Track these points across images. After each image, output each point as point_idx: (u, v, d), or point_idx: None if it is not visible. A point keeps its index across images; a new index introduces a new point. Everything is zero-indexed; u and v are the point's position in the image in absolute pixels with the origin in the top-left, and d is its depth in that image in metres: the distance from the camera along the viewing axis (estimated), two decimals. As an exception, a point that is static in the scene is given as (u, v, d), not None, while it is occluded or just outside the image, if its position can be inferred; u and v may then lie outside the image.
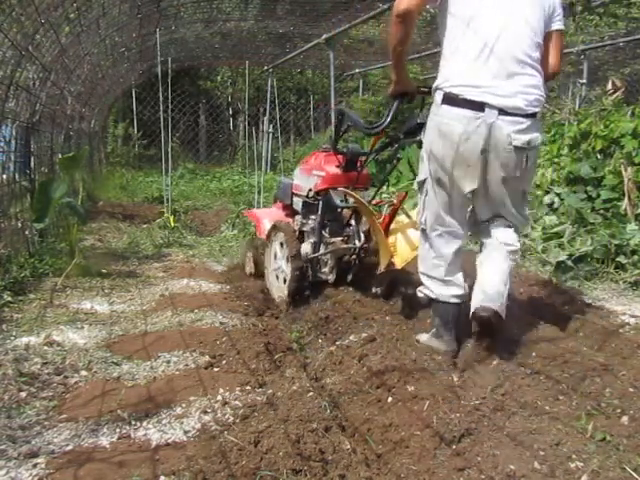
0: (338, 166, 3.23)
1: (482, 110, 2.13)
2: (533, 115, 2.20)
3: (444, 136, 2.21)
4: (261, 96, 15.34)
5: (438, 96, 2.24)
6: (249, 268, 3.99)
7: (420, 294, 2.51)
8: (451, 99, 2.18)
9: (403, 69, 2.42)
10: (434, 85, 2.30)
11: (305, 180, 3.42)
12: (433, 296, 2.43)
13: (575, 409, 1.92)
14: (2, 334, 2.79)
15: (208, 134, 16.02)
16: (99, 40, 6.71)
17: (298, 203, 3.51)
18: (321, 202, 3.29)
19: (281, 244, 3.35)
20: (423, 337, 2.49)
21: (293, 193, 3.57)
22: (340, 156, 3.21)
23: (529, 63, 2.19)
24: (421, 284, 2.50)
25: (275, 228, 3.41)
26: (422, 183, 2.40)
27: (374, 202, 3.35)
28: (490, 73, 2.14)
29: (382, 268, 2.91)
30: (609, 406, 1.93)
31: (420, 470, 1.63)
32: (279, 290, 3.35)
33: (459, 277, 2.44)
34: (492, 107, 2.13)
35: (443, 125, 2.22)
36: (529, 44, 2.18)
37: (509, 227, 2.41)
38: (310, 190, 3.32)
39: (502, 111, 2.13)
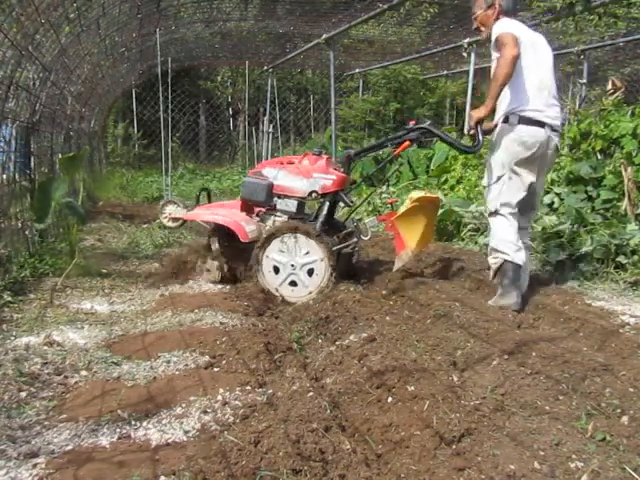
0: (341, 171, 3.61)
1: (543, 127, 3.09)
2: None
3: (523, 144, 3.09)
4: (261, 96, 15.35)
5: (514, 118, 3.09)
6: (213, 275, 3.79)
7: (494, 260, 3.15)
8: (525, 119, 3.09)
9: (496, 100, 3.10)
10: (507, 110, 3.10)
11: (300, 182, 3.58)
12: (509, 258, 3.09)
13: (575, 409, 1.92)
14: (2, 334, 2.79)
15: (208, 134, 16.03)
16: (99, 40, 6.71)
17: (287, 204, 3.63)
18: (327, 202, 3.57)
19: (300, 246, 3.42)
20: (491, 301, 3.13)
21: (277, 194, 3.63)
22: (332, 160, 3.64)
23: (556, 97, 3.22)
24: (490, 261, 3.20)
25: (297, 229, 3.42)
26: (499, 178, 3.16)
27: (388, 201, 3.98)
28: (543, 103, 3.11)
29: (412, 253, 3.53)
30: (609, 406, 1.93)
31: (420, 470, 1.63)
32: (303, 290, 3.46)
33: (522, 245, 3.17)
34: (548, 125, 3.10)
35: (522, 137, 3.09)
36: (555, 84, 3.20)
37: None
38: (313, 192, 3.55)
39: (552, 128, 3.12)
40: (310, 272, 3.43)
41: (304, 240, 3.41)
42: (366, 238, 3.68)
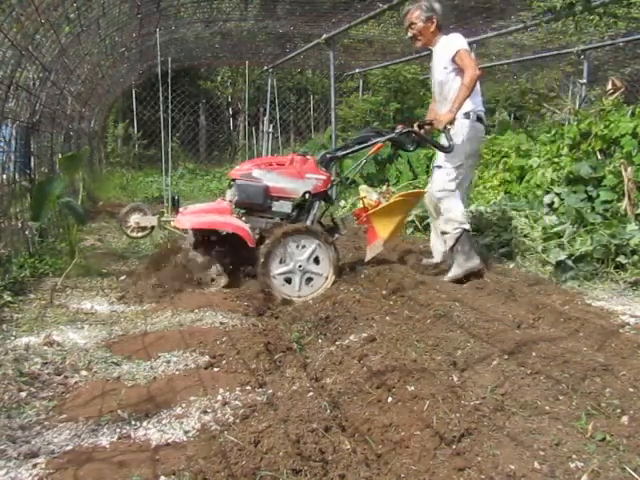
0: (326, 170, 3.74)
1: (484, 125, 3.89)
2: None
3: (478, 139, 3.85)
4: (261, 96, 15.35)
5: (473, 116, 3.73)
6: (218, 282, 3.54)
7: (455, 231, 3.66)
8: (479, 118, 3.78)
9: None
10: (469, 108, 3.68)
11: (294, 183, 3.62)
12: (467, 227, 3.71)
13: (575, 409, 1.92)
14: (2, 334, 2.79)
15: (208, 134, 16.03)
16: (99, 40, 6.71)
17: (282, 205, 3.65)
18: (317, 202, 3.67)
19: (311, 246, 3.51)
20: (454, 272, 3.67)
21: (272, 196, 3.61)
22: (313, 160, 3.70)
23: None
24: (447, 232, 3.71)
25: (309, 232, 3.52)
26: (459, 164, 3.70)
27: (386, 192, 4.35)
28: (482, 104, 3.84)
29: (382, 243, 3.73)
30: (609, 406, 1.93)
31: (420, 470, 1.63)
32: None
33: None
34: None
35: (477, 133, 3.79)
36: None
37: None
38: (307, 192, 3.61)
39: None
40: (316, 260, 3.53)
41: (299, 238, 3.49)
42: (343, 234, 3.84)
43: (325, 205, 3.96)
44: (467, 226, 3.72)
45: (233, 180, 3.73)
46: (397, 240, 4.81)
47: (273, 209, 3.66)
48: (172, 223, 3.71)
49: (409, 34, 3.94)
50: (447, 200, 3.75)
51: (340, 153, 3.89)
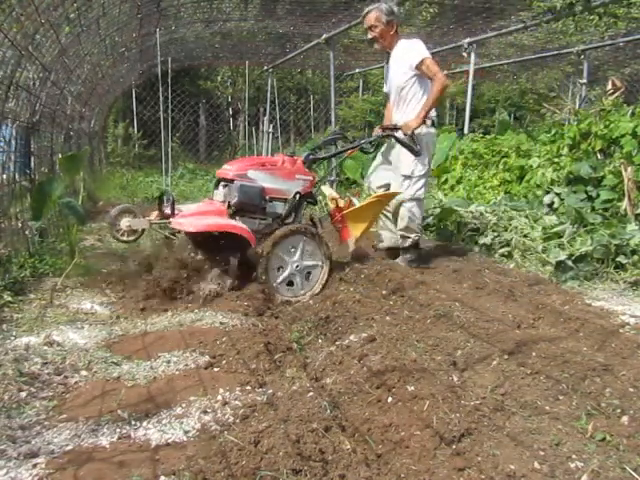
0: (309, 170, 3.81)
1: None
2: None
3: (434, 144, 4.21)
4: (261, 96, 15.34)
5: (434, 123, 4.04)
6: (223, 284, 3.38)
7: (415, 236, 4.08)
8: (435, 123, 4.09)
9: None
10: (431, 115, 3.94)
11: (286, 183, 3.64)
12: (420, 236, 4.18)
13: (575, 409, 1.92)
14: (2, 334, 2.79)
15: (208, 134, 16.02)
16: (99, 40, 6.71)
17: (275, 206, 3.64)
18: (304, 202, 3.75)
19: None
20: (402, 263, 4.08)
21: (267, 197, 3.59)
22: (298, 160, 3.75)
23: None
24: (408, 237, 4.08)
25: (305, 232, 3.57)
26: (426, 172, 4.04)
27: (355, 194, 4.49)
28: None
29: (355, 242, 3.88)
30: (609, 406, 1.93)
31: (420, 470, 1.63)
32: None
33: None
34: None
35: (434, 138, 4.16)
36: None
37: None
38: (297, 193, 3.64)
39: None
40: (308, 254, 3.57)
41: (286, 242, 3.52)
42: (321, 232, 3.87)
43: (308, 205, 4.03)
44: (420, 235, 4.19)
45: (224, 180, 3.62)
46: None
47: (267, 210, 3.64)
48: (171, 225, 3.57)
49: (369, 36, 4.02)
50: (416, 208, 4.04)
51: (321, 155, 3.98)
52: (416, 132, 3.83)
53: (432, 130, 4.01)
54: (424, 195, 4.10)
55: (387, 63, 4.23)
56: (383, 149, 4.29)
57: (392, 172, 4.15)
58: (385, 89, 4.37)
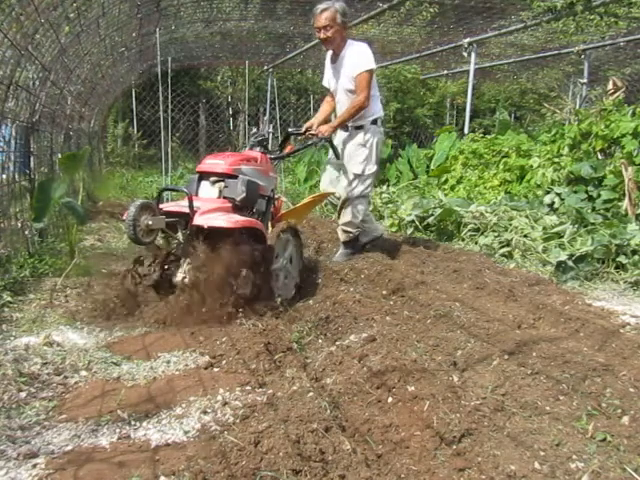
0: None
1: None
2: None
3: (383, 142, 4.52)
4: (261, 96, 15.34)
5: (379, 121, 4.13)
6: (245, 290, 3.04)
7: (356, 231, 4.22)
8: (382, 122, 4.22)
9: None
10: (377, 115, 4.10)
11: (266, 180, 3.55)
12: (360, 230, 4.24)
13: (575, 409, 1.92)
14: (2, 334, 2.79)
15: (208, 134, 16.01)
16: (99, 40, 6.70)
17: (261, 204, 3.53)
18: (273, 200, 3.71)
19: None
20: (337, 257, 4.29)
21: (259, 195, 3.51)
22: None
23: None
24: (350, 232, 4.22)
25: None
26: (374, 170, 4.15)
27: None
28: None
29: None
30: (609, 406, 1.93)
31: (420, 470, 1.63)
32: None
33: None
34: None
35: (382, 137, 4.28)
36: None
37: None
38: (272, 190, 3.62)
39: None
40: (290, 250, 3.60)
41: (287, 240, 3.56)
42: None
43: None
44: (360, 230, 4.26)
45: (215, 175, 3.36)
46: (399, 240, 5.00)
47: (255, 207, 3.47)
48: (194, 222, 3.04)
49: (322, 36, 3.90)
50: (361, 205, 4.18)
51: (282, 154, 3.96)
52: (365, 133, 4.02)
53: (381, 129, 4.15)
54: (370, 191, 4.28)
55: (332, 62, 4.11)
56: (330, 154, 4.29)
57: (340, 171, 4.21)
58: (325, 84, 4.33)
